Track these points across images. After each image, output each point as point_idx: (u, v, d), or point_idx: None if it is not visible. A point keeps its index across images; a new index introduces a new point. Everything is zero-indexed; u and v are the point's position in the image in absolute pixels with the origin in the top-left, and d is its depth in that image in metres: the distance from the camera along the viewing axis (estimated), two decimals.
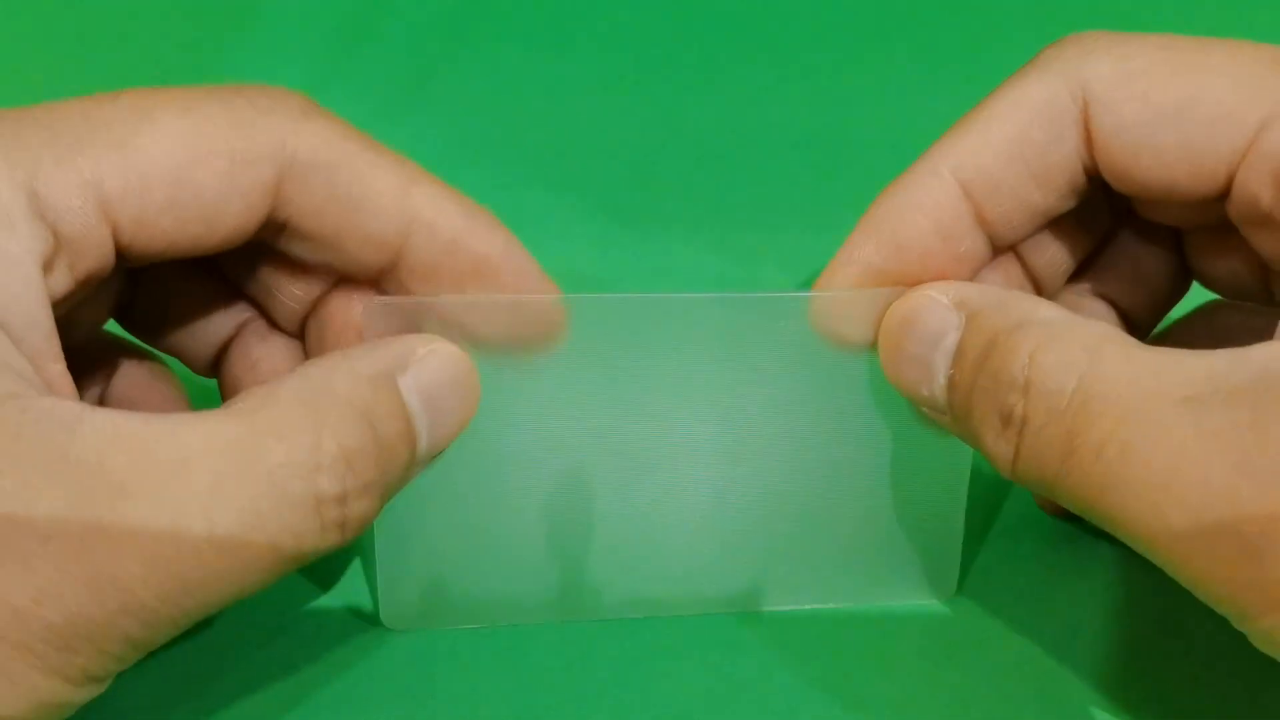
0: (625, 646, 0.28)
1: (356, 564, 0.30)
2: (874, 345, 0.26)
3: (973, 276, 0.26)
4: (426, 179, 0.25)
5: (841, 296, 0.26)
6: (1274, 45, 0.24)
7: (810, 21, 0.47)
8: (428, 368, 0.24)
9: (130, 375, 0.28)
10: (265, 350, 0.27)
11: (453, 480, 0.27)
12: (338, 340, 0.26)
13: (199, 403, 0.28)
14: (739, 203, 0.41)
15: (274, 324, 0.28)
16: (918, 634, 0.29)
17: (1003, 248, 0.26)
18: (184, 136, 0.23)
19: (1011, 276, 0.27)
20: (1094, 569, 0.30)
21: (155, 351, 0.28)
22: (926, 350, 0.25)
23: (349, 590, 0.29)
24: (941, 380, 0.25)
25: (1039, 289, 0.27)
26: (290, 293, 0.27)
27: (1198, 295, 0.29)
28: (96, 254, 0.22)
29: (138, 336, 0.28)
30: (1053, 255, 0.27)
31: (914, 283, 0.25)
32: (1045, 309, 0.24)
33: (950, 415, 0.25)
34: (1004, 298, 0.24)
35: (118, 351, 0.28)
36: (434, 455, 0.25)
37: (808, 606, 0.29)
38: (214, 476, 0.20)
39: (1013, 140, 0.25)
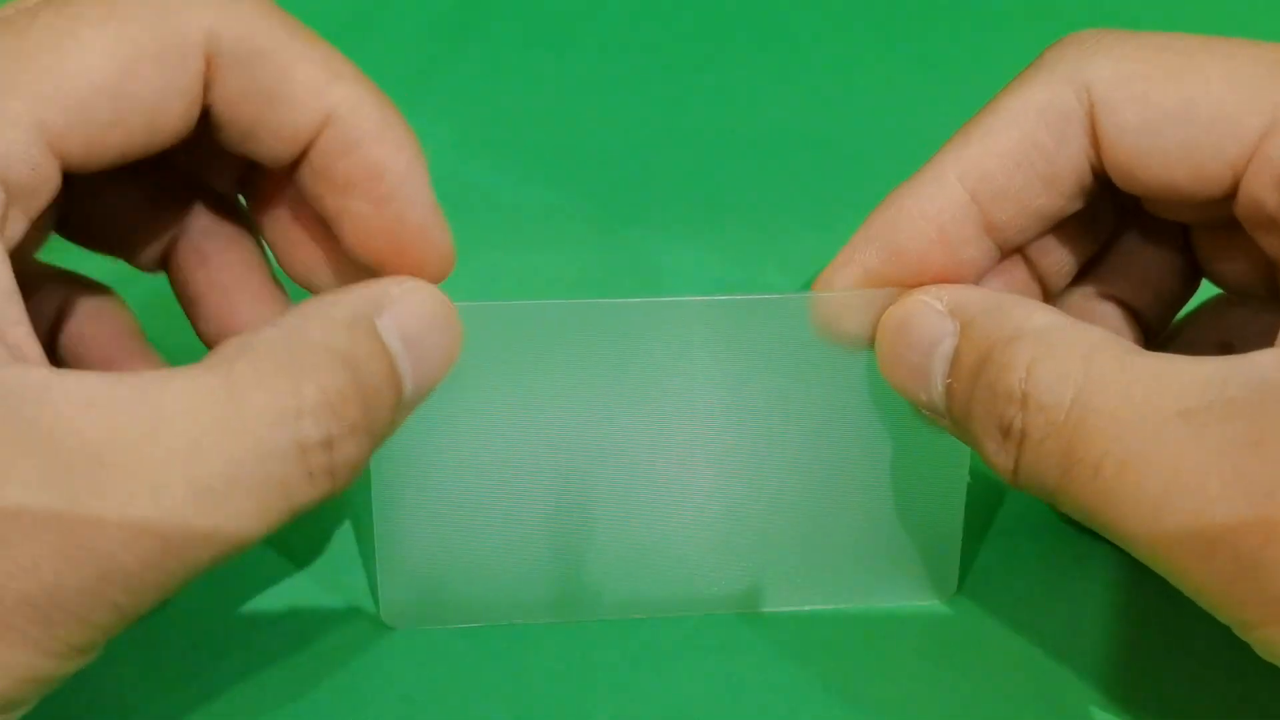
0: (625, 647, 0.28)
1: (357, 562, 0.30)
2: (873, 345, 0.26)
3: (977, 281, 0.26)
4: (353, 75, 0.24)
5: (840, 298, 0.26)
6: (1274, 44, 0.24)
7: (811, 22, 0.47)
8: (405, 307, 0.24)
9: (81, 311, 0.27)
10: (214, 242, 0.27)
11: (453, 478, 0.27)
12: (281, 214, 0.26)
13: (152, 331, 0.27)
14: (739, 203, 0.41)
15: (211, 209, 0.27)
16: (918, 634, 0.29)
17: (1009, 250, 0.26)
18: (113, 46, 0.22)
19: (1017, 278, 0.27)
20: (1094, 569, 0.30)
21: (100, 288, 0.27)
22: (922, 358, 0.25)
23: (349, 588, 0.29)
24: (939, 387, 0.24)
25: (1045, 289, 0.27)
26: (222, 180, 0.26)
27: (1207, 290, 0.29)
28: (48, 190, 0.22)
29: (76, 242, 0.27)
30: (1059, 255, 0.27)
31: (913, 285, 0.25)
32: (1039, 315, 0.23)
33: (950, 420, 0.25)
34: (998, 303, 0.24)
35: (61, 284, 0.27)
36: (421, 397, 0.24)
37: (807, 608, 0.29)
38: (192, 435, 0.20)
39: (1020, 146, 0.24)
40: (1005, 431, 0.23)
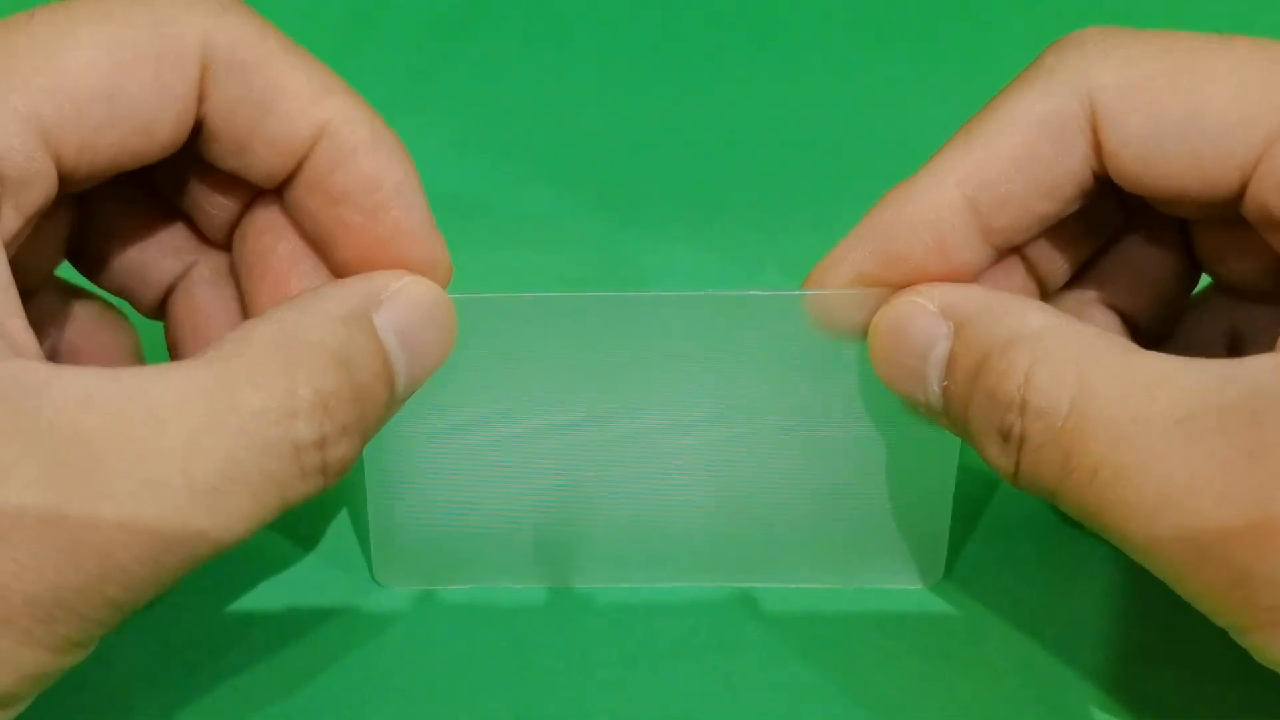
0: (624, 645, 0.28)
1: (359, 557, 0.30)
2: (864, 339, 0.26)
3: (971, 280, 0.26)
4: (343, 89, 0.24)
5: (831, 296, 0.26)
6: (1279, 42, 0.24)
7: (811, 22, 0.47)
8: (401, 303, 0.24)
9: (82, 320, 0.27)
10: (208, 294, 0.27)
11: (444, 456, 0.27)
12: (258, 264, 0.26)
13: (150, 346, 0.28)
14: (739, 203, 0.41)
15: (208, 241, 0.27)
16: (917, 634, 0.29)
17: (1005, 252, 0.26)
18: (109, 47, 0.22)
19: (1014, 278, 0.27)
20: (1094, 569, 0.30)
21: (106, 296, 0.28)
22: (916, 361, 0.25)
23: (346, 583, 0.30)
24: (935, 388, 0.24)
25: (1042, 289, 0.27)
26: (215, 202, 0.26)
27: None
28: (42, 186, 0.22)
29: (88, 277, 0.27)
30: (1057, 256, 0.27)
31: (905, 285, 0.25)
32: (1034, 315, 0.23)
33: (948, 420, 0.25)
34: (992, 303, 0.24)
35: (69, 297, 0.27)
36: (414, 391, 0.24)
37: (794, 585, 0.29)
38: (190, 431, 0.20)
39: (1020, 154, 0.24)
40: (1005, 436, 0.23)
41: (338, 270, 0.25)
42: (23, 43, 0.22)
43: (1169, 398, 0.21)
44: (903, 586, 0.29)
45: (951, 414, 0.24)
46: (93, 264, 0.27)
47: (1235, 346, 0.28)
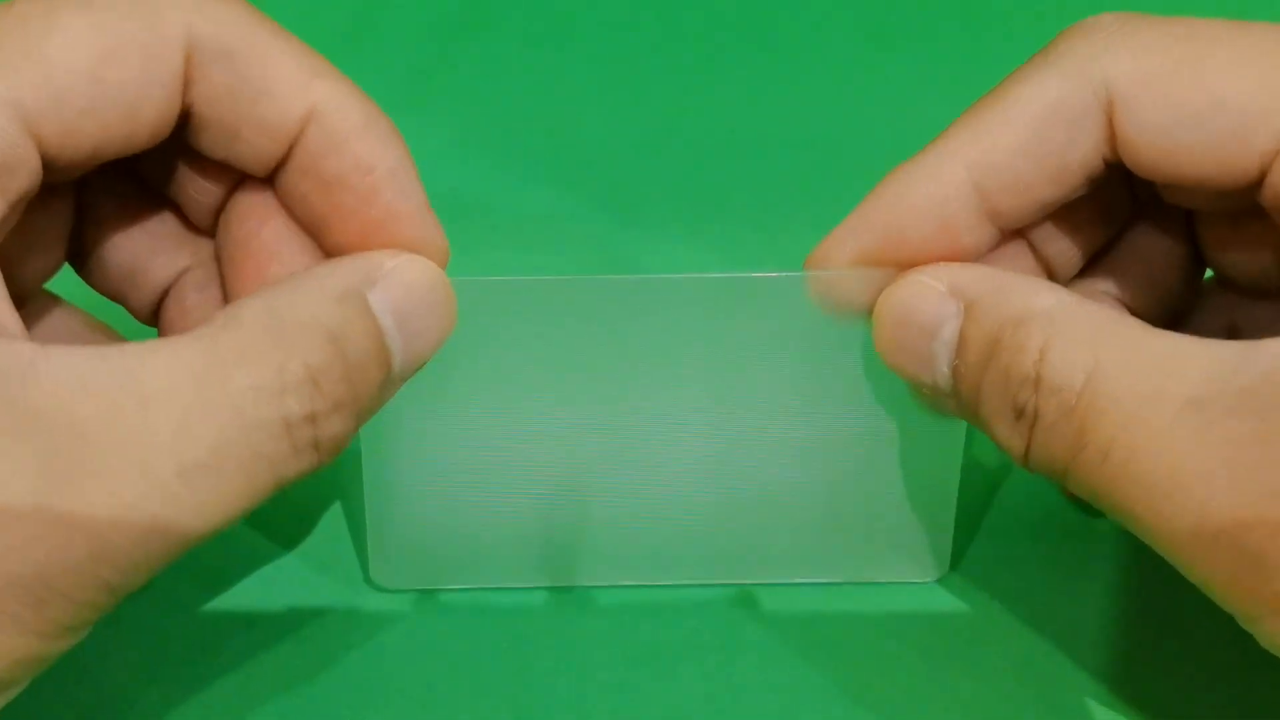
0: (624, 646, 0.28)
1: (351, 552, 0.30)
2: (867, 322, 0.26)
3: (975, 261, 0.26)
4: (333, 74, 0.24)
5: (835, 276, 0.25)
6: None
7: (811, 22, 0.47)
8: (398, 281, 0.23)
9: (72, 331, 0.27)
10: (200, 297, 0.27)
11: (441, 442, 0.27)
12: (239, 248, 0.25)
13: None
14: (739, 203, 0.41)
15: (201, 232, 0.27)
16: (918, 633, 0.29)
17: (1009, 234, 0.26)
18: (91, 33, 0.22)
19: (1023, 267, 0.26)
20: (1095, 568, 0.30)
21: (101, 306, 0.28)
22: (925, 341, 0.24)
23: (343, 579, 0.30)
24: (944, 370, 0.24)
25: (1052, 278, 0.27)
26: (200, 186, 0.26)
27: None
28: (26, 172, 0.22)
29: (85, 279, 0.27)
30: (1066, 245, 0.27)
31: (909, 265, 0.25)
32: (1045, 293, 0.23)
33: (957, 403, 0.25)
34: (1001, 282, 0.24)
35: (60, 309, 0.27)
36: (412, 372, 0.24)
37: (799, 580, 0.29)
38: (179, 410, 0.20)
39: (1031, 140, 0.24)
40: (1018, 414, 0.23)
41: (332, 255, 0.25)
42: (3, 30, 0.22)
43: (1184, 378, 0.21)
44: (908, 580, 0.29)
45: (961, 395, 0.24)
46: (90, 265, 0.27)
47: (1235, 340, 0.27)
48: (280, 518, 0.22)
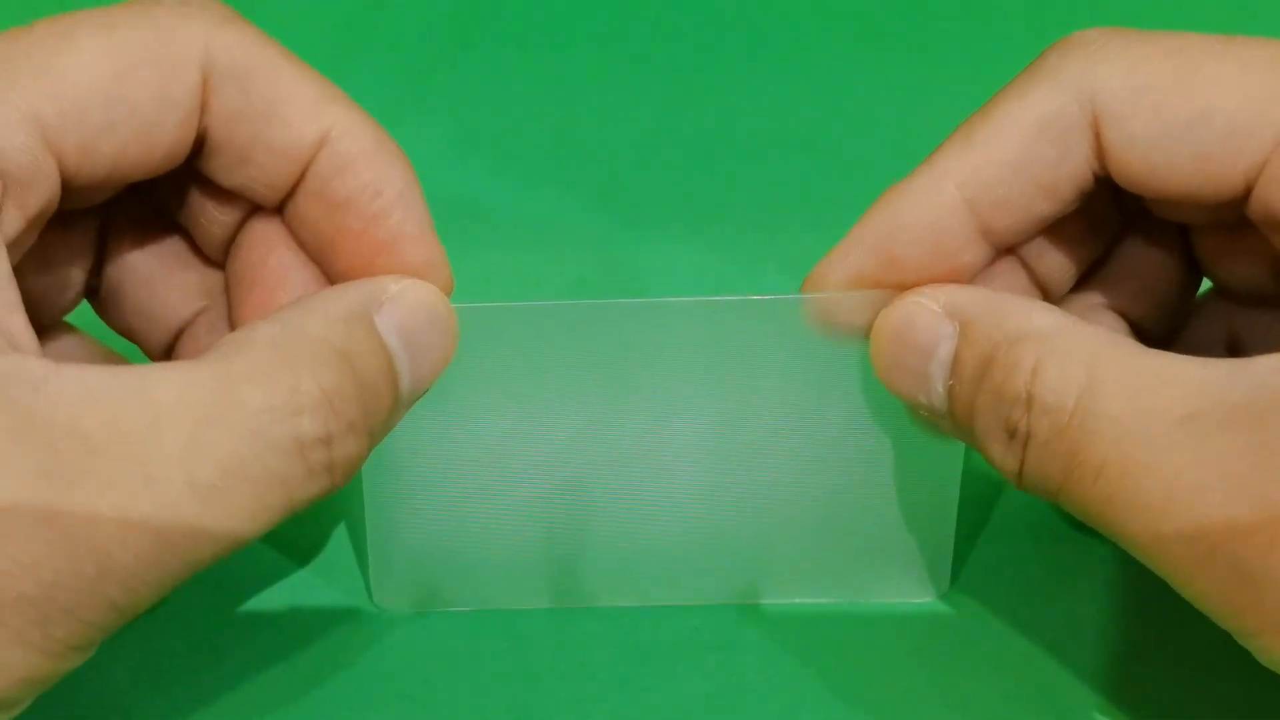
0: (625, 645, 0.28)
1: (352, 560, 0.30)
2: (865, 343, 0.26)
3: (970, 281, 0.26)
4: (343, 99, 0.24)
5: (832, 299, 0.26)
6: None
7: (810, 22, 0.47)
8: (402, 304, 0.24)
9: (89, 355, 0.27)
10: (213, 339, 0.27)
11: (444, 468, 0.27)
12: (246, 276, 0.26)
13: None
14: (739, 203, 0.41)
15: (210, 263, 0.27)
16: (918, 634, 0.29)
17: (1003, 251, 0.26)
18: (110, 54, 0.22)
19: (1018, 285, 0.27)
20: (1094, 569, 0.30)
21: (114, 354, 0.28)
22: (921, 361, 0.24)
23: (346, 586, 0.30)
24: (940, 389, 0.24)
25: (1046, 294, 0.27)
26: (212, 217, 0.26)
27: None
28: (45, 188, 0.22)
29: (102, 316, 0.27)
30: (1059, 261, 0.27)
31: (906, 287, 0.25)
32: (1040, 314, 0.23)
33: (951, 422, 0.25)
34: (997, 303, 0.24)
35: (78, 342, 0.27)
36: (418, 394, 0.24)
37: (799, 601, 0.29)
38: (190, 429, 0.20)
39: (1021, 156, 0.24)
40: (1011, 433, 0.23)
41: (338, 280, 0.25)
42: (24, 49, 0.22)
43: (1176, 395, 0.21)
44: (909, 600, 0.29)
45: (956, 414, 0.24)
46: (107, 301, 0.27)
47: (1235, 350, 0.28)
48: (282, 527, 0.22)
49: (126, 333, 0.27)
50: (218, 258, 0.27)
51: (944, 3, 0.47)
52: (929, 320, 0.24)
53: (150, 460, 0.20)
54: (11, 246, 0.22)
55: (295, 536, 0.30)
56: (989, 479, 0.32)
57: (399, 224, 0.24)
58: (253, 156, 0.24)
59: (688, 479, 0.28)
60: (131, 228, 0.26)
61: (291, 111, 0.24)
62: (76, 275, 0.26)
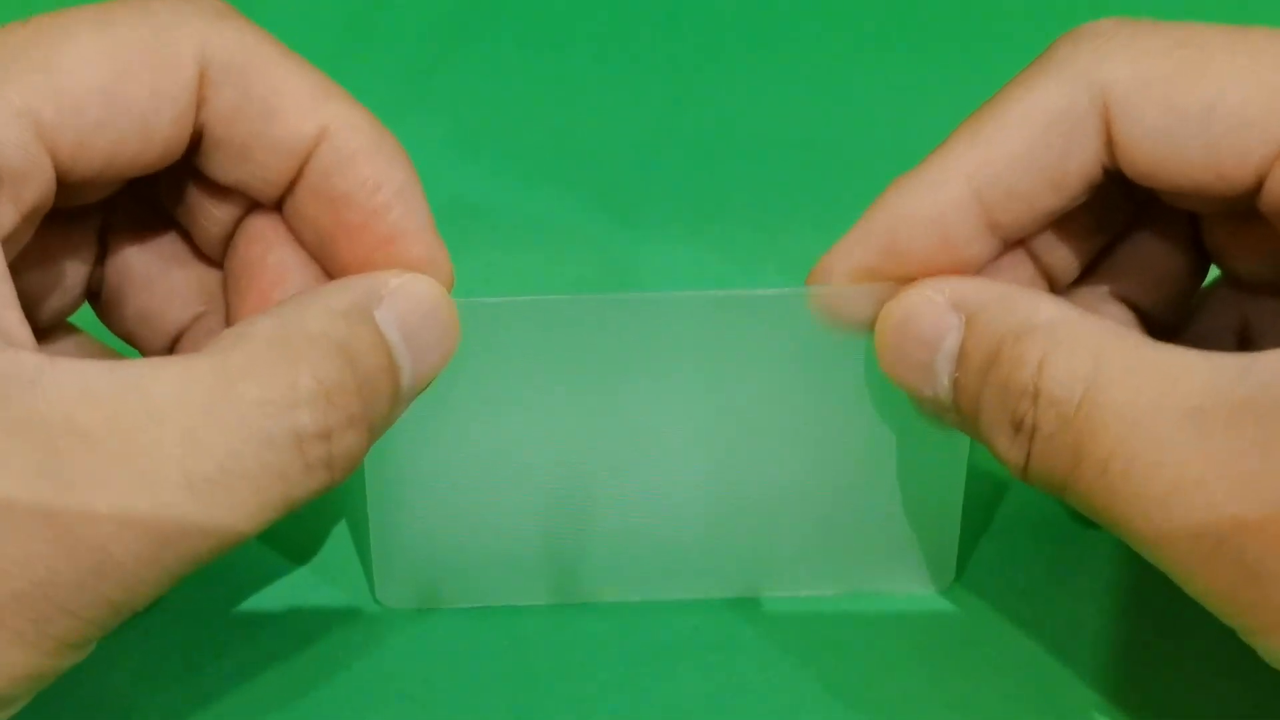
0: (626, 645, 0.28)
1: (354, 558, 0.30)
2: (869, 336, 0.26)
3: (977, 273, 0.26)
4: (342, 95, 0.24)
5: (837, 292, 0.26)
6: None
7: (810, 21, 0.47)
8: (402, 299, 0.24)
9: (88, 352, 0.27)
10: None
11: (445, 463, 0.27)
12: (244, 274, 0.26)
13: None
14: (739, 203, 0.41)
15: (209, 262, 0.27)
16: (918, 633, 0.29)
17: (1010, 244, 0.26)
18: (106, 49, 0.22)
19: (1023, 276, 0.26)
20: (1095, 568, 0.30)
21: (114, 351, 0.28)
22: (927, 353, 0.24)
23: (347, 585, 0.29)
24: (945, 382, 0.24)
25: (1052, 286, 0.27)
26: (210, 215, 0.26)
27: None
28: (40, 183, 0.22)
29: (102, 319, 0.27)
30: (1066, 251, 0.27)
31: (912, 279, 0.25)
32: (1047, 307, 0.23)
33: (957, 415, 0.25)
34: (1003, 295, 0.24)
35: (79, 343, 0.27)
36: (419, 389, 0.24)
37: (803, 594, 0.29)
38: (187, 424, 0.20)
39: (1030, 148, 0.24)
40: (1017, 426, 0.23)
41: (338, 276, 0.25)
42: (19, 44, 0.22)
43: (1183, 389, 0.21)
44: (913, 591, 0.29)
45: (961, 407, 0.24)
46: (107, 304, 0.27)
47: (1246, 339, 0.27)
48: (283, 526, 0.21)
49: (127, 336, 0.27)
50: (217, 256, 0.27)
51: (944, 3, 0.47)
52: (934, 312, 0.24)
53: (147, 456, 0.20)
54: (6, 242, 0.22)
55: (295, 535, 0.30)
56: (992, 478, 0.32)
57: (399, 219, 0.24)
58: (251, 152, 0.24)
59: (691, 472, 0.28)
60: (132, 228, 0.26)
61: (290, 107, 0.24)
62: (77, 275, 0.26)
